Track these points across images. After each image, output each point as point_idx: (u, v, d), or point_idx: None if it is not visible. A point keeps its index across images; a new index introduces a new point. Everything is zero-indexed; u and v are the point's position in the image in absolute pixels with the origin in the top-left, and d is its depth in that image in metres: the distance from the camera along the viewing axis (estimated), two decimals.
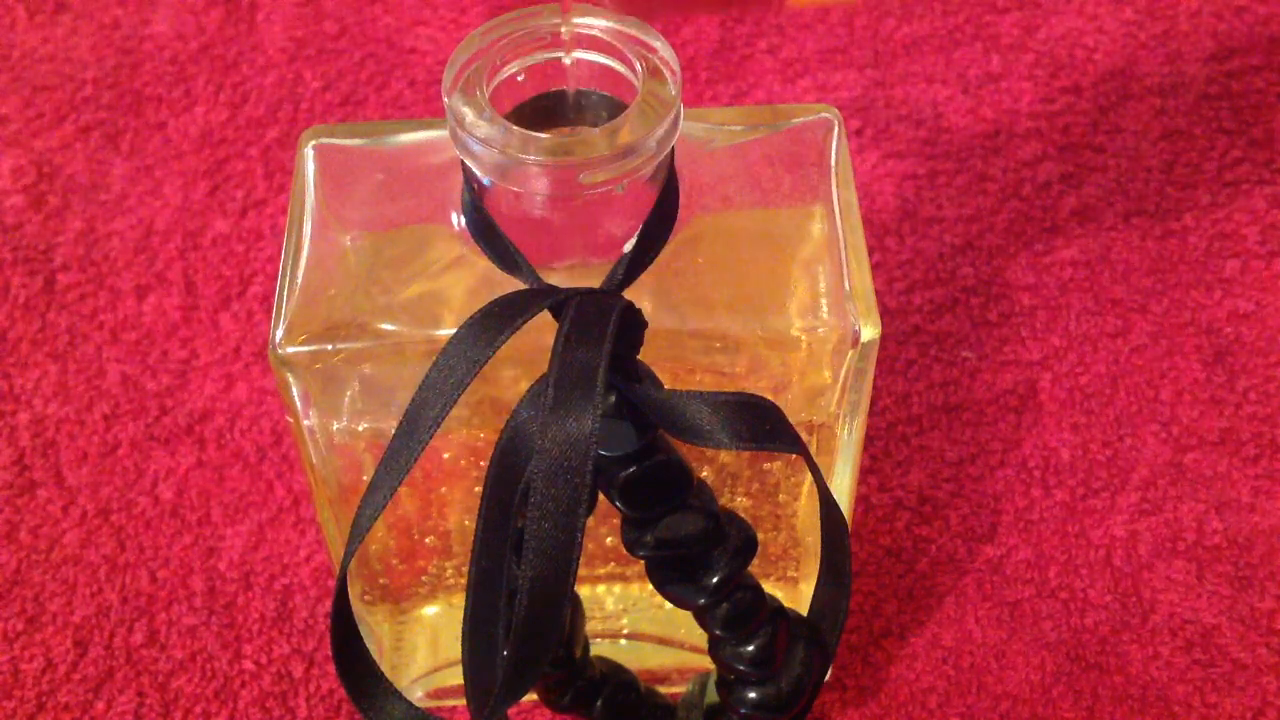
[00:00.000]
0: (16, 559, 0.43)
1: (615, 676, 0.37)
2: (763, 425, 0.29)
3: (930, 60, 0.54)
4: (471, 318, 0.28)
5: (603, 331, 0.28)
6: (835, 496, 0.33)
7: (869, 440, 0.44)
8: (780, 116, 0.34)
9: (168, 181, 0.51)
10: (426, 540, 0.37)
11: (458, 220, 0.31)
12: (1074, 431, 0.45)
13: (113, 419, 0.45)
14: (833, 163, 0.33)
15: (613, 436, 0.29)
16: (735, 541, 0.31)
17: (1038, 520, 0.43)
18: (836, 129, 0.33)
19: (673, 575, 0.31)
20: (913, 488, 0.44)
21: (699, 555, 0.31)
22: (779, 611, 0.33)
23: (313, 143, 0.33)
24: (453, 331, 0.28)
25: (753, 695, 0.34)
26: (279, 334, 0.31)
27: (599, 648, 0.39)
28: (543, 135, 0.28)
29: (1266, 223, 0.49)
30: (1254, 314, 0.47)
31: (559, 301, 0.28)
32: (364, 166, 0.33)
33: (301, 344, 0.30)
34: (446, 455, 0.35)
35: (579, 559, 0.28)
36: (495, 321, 0.28)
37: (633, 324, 0.29)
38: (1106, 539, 0.43)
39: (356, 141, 0.33)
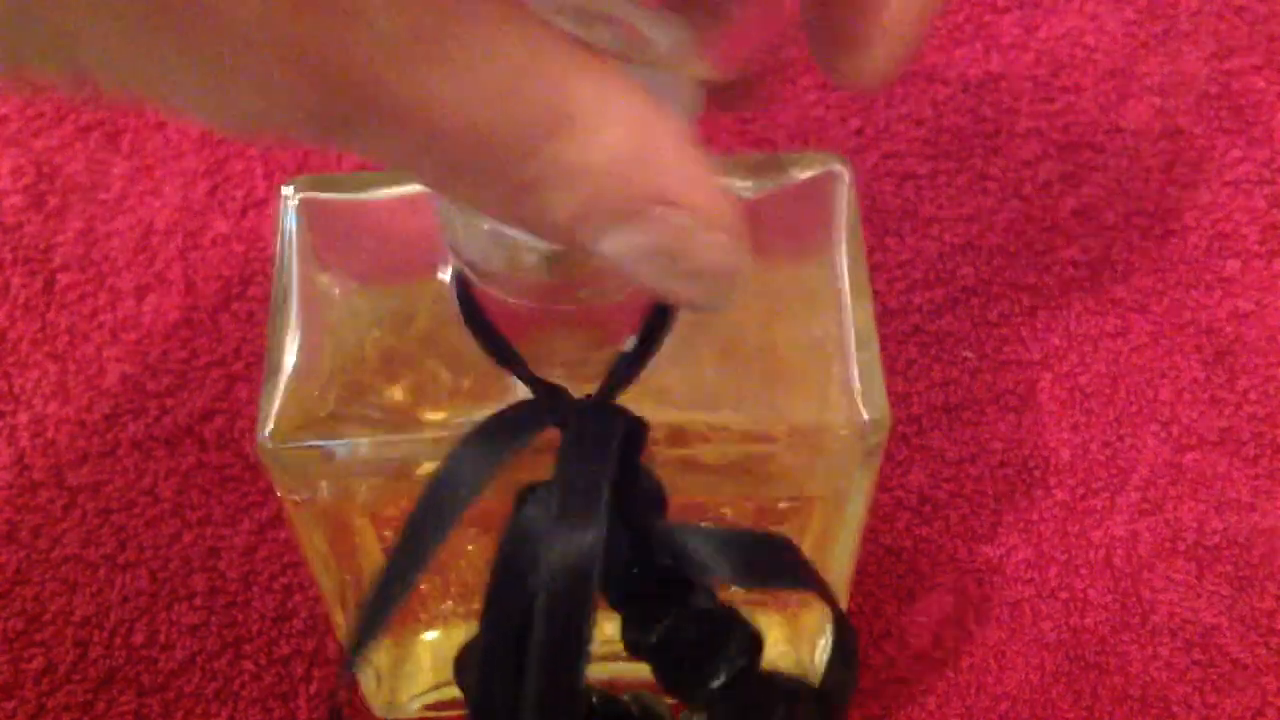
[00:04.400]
0: (16, 559, 0.43)
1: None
2: (773, 563, 0.29)
3: (930, 60, 0.54)
4: (469, 435, 0.27)
5: (606, 450, 0.27)
6: (836, 562, 0.32)
7: None
8: (785, 168, 0.32)
9: (168, 181, 0.51)
10: (422, 588, 0.36)
11: (449, 275, 0.30)
12: (1074, 431, 0.45)
13: (113, 419, 0.45)
14: (842, 224, 0.31)
15: (615, 542, 0.29)
16: (740, 642, 0.30)
17: (1038, 520, 0.43)
18: (846, 180, 0.32)
19: (677, 676, 0.31)
20: (913, 488, 0.44)
21: (704, 657, 0.30)
22: (792, 696, 0.32)
23: (298, 197, 0.32)
24: (440, 420, 0.28)
25: None
26: (266, 429, 0.30)
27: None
28: (540, 244, 0.26)
29: (1266, 223, 0.49)
30: (1254, 314, 0.47)
31: (561, 417, 0.28)
32: (350, 228, 0.32)
33: (288, 440, 0.30)
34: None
35: (586, 668, 0.27)
36: (497, 439, 0.27)
37: (636, 434, 0.28)
38: (1106, 539, 0.43)
39: (340, 196, 0.32)
